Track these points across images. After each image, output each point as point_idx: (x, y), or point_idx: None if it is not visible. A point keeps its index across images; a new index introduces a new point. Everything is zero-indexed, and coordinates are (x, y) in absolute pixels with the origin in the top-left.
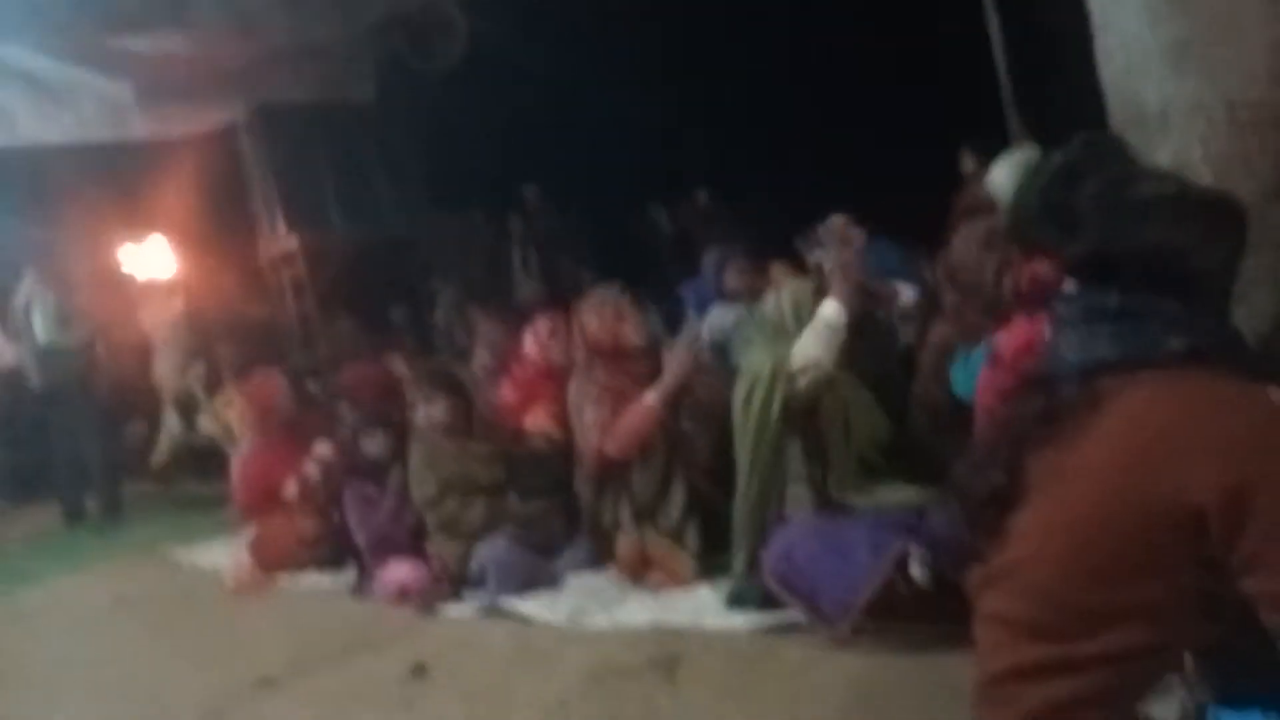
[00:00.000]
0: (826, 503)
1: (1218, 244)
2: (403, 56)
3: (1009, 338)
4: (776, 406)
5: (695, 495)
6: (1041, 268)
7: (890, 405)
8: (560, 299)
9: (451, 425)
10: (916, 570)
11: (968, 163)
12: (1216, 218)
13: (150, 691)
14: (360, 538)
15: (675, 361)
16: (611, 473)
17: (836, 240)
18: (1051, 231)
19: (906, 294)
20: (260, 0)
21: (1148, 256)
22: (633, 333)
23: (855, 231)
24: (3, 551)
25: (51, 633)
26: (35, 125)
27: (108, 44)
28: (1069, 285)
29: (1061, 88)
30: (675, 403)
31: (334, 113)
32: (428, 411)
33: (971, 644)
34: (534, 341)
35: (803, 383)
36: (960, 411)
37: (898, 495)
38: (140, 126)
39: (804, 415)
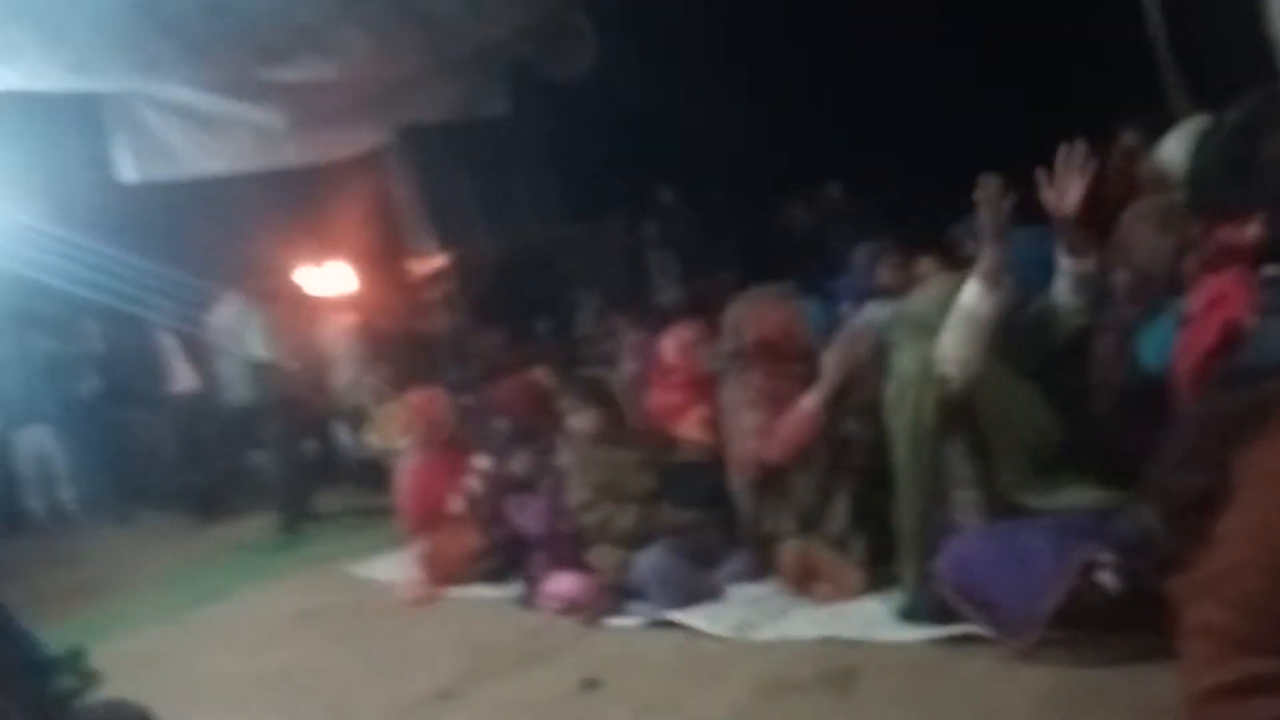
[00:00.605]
0: (999, 507)
1: None
2: (535, 68)
3: (1200, 295)
4: (929, 409)
5: (861, 503)
6: (1228, 233)
7: (1060, 398)
8: (700, 302)
9: (601, 434)
10: (1106, 578)
11: (1129, 138)
12: None
13: (335, 702)
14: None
15: (834, 361)
16: (771, 479)
17: (985, 203)
18: (1237, 191)
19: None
20: (396, 23)
21: None
22: (802, 332)
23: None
24: (195, 567)
25: (242, 645)
26: (196, 158)
27: (258, 75)
28: (1272, 269)
29: (1222, 56)
30: (836, 404)
31: (473, 129)
32: (578, 422)
33: (1167, 657)
34: (676, 349)
35: (953, 383)
36: (1146, 392)
37: (1079, 497)
38: (293, 154)
39: (962, 415)
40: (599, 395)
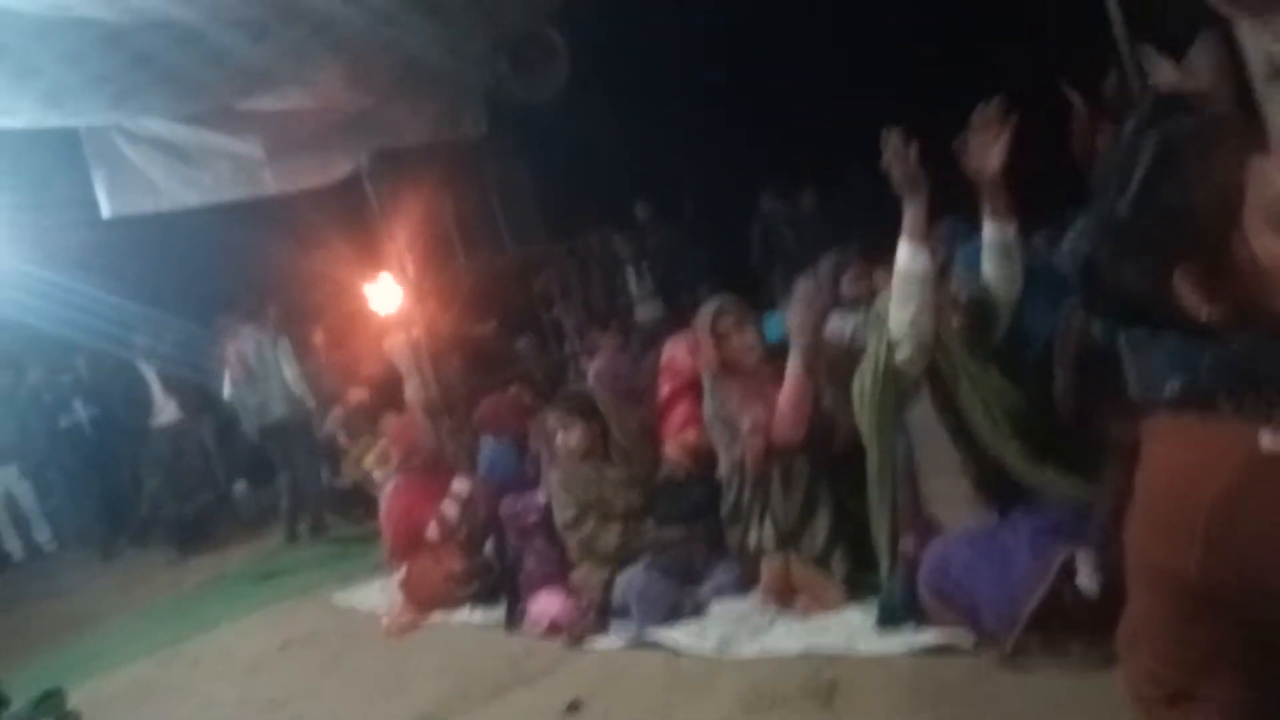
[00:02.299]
0: (987, 490)
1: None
2: (509, 89)
3: None
4: (882, 376)
5: (842, 515)
6: None
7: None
8: (680, 315)
9: (589, 451)
10: (1085, 578)
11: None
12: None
13: None
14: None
15: (795, 324)
16: (762, 484)
17: (892, 157)
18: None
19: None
20: (368, 48)
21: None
22: (744, 352)
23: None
24: (179, 600)
25: (229, 675)
26: (176, 192)
27: (233, 105)
28: None
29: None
30: (814, 368)
31: (448, 151)
32: (565, 438)
33: None
34: (687, 352)
35: (902, 347)
36: (1103, 365)
37: (1067, 481)
38: (271, 182)
39: (935, 390)
40: (586, 410)
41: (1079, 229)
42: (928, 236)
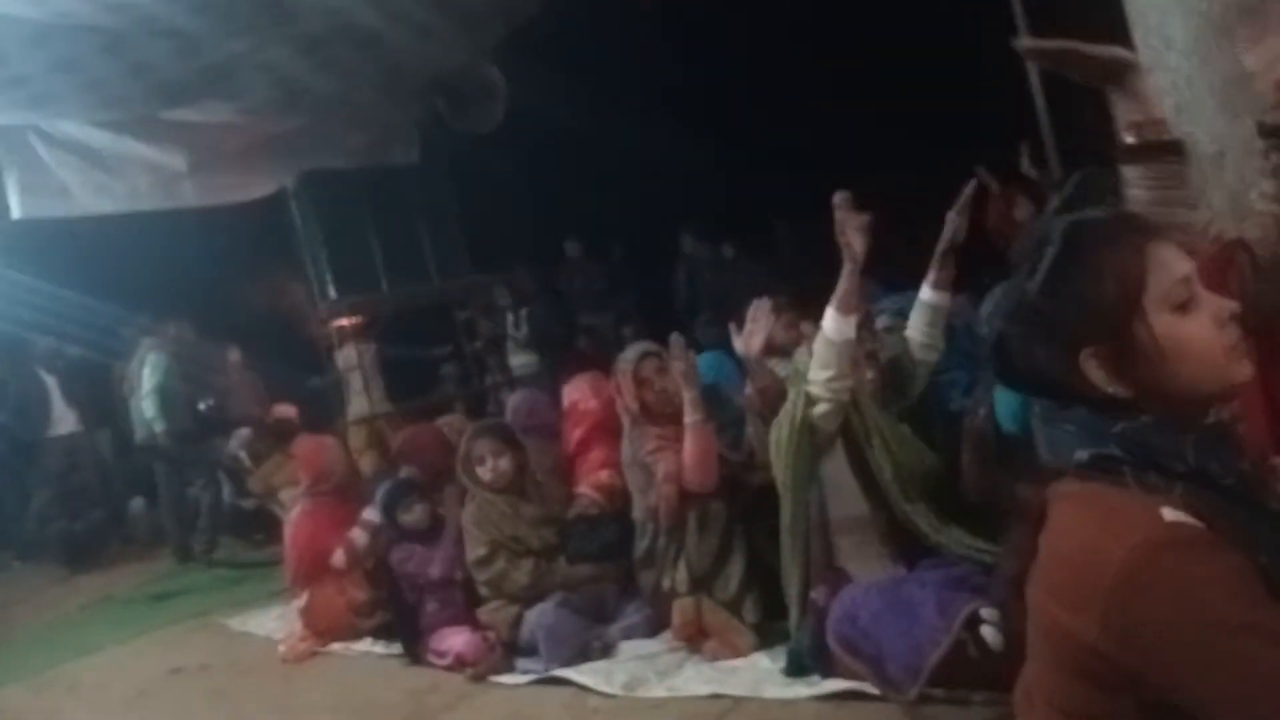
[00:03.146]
0: (895, 544)
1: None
2: (444, 119)
3: None
4: (799, 428)
5: (755, 561)
6: None
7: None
8: (599, 353)
9: (510, 483)
10: (989, 633)
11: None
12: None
13: None
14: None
15: (679, 373)
16: (679, 530)
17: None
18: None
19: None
20: (304, 68)
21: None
22: (663, 398)
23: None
24: (61, 621)
25: (110, 703)
26: (90, 197)
27: (157, 115)
28: None
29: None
30: (710, 416)
31: (378, 176)
32: (494, 464)
33: None
34: (588, 392)
35: (820, 404)
36: (1007, 451)
37: (970, 541)
38: (192, 195)
39: (848, 446)
40: (509, 441)
41: (995, 298)
42: (855, 307)
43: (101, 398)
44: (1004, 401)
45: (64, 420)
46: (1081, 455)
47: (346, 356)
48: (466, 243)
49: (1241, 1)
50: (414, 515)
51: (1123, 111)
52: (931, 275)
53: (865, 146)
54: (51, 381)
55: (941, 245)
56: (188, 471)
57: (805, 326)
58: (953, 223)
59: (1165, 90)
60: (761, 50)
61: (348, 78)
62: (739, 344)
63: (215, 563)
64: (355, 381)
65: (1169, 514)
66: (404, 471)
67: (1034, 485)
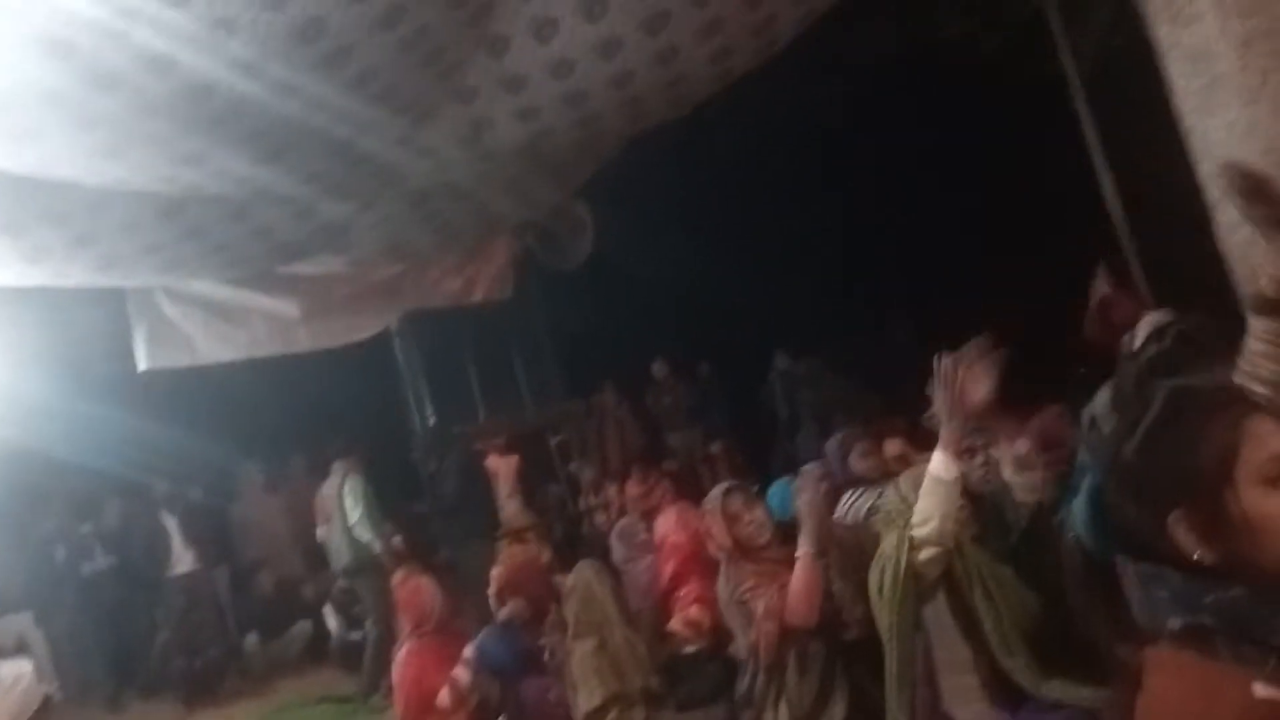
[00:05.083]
0: (999, 692)
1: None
2: (536, 256)
3: None
4: (904, 576)
5: (859, 700)
6: None
7: (1039, 583)
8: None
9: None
10: None
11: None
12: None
13: None
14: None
15: (804, 508)
16: (780, 664)
17: (940, 382)
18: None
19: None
20: (408, 221)
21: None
22: (755, 531)
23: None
24: None
25: None
26: (212, 347)
27: (275, 270)
28: None
29: (1190, 254)
30: (825, 550)
31: (475, 313)
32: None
33: None
34: (675, 534)
35: (925, 549)
36: (1093, 570)
37: (1075, 691)
38: (306, 340)
39: (950, 591)
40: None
41: (1097, 406)
42: (961, 450)
43: (219, 537)
44: (1079, 515)
45: (182, 560)
46: (1175, 624)
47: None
48: (559, 370)
49: None
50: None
51: (1271, 261)
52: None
53: (940, 264)
54: (172, 523)
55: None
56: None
57: (890, 445)
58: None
59: (1236, 222)
60: (836, 177)
61: (448, 226)
62: (803, 500)
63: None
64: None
65: (1261, 690)
66: (509, 607)
67: (1134, 646)
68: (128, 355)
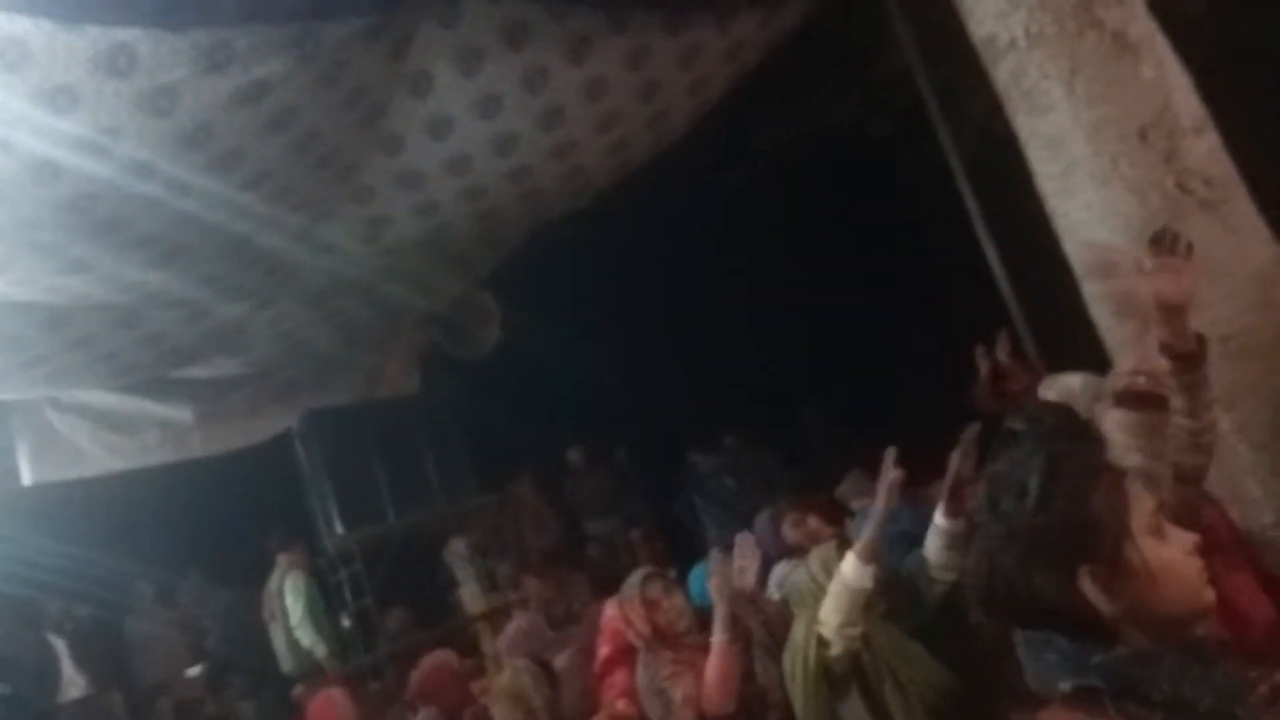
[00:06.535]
0: None
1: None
2: (442, 349)
3: None
4: (814, 673)
5: None
6: None
7: (950, 654)
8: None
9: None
10: None
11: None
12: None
13: None
14: None
15: (714, 588)
16: None
17: (882, 488)
18: None
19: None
20: (306, 320)
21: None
22: (675, 618)
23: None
24: None
25: None
26: (101, 457)
27: (167, 375)
28: None
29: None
30: (738, 636)
31: (380, 408)
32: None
33: None
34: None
35: (832, 647)
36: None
37: None
38: (200, 446)
39: (855, 677)
40: (548, 674)
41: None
42: (876, 556)
43: (112, 656)
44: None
45: (74, 685)
46: (1065, 686)
47: None
48: (471, 463)
49: None
50: None
51: (1128, 358)
52: (943, 506)
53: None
54: (61, 644)
55: (949, 482)
56: None
57: (812, 521)
58: (956, 463)
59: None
60: (737, 259)
61: (349, 323)
62: (714, 585)
63: None
64: None
65: None
66: (420, 715)
67: (1026, 710)
68: (12, 470)
